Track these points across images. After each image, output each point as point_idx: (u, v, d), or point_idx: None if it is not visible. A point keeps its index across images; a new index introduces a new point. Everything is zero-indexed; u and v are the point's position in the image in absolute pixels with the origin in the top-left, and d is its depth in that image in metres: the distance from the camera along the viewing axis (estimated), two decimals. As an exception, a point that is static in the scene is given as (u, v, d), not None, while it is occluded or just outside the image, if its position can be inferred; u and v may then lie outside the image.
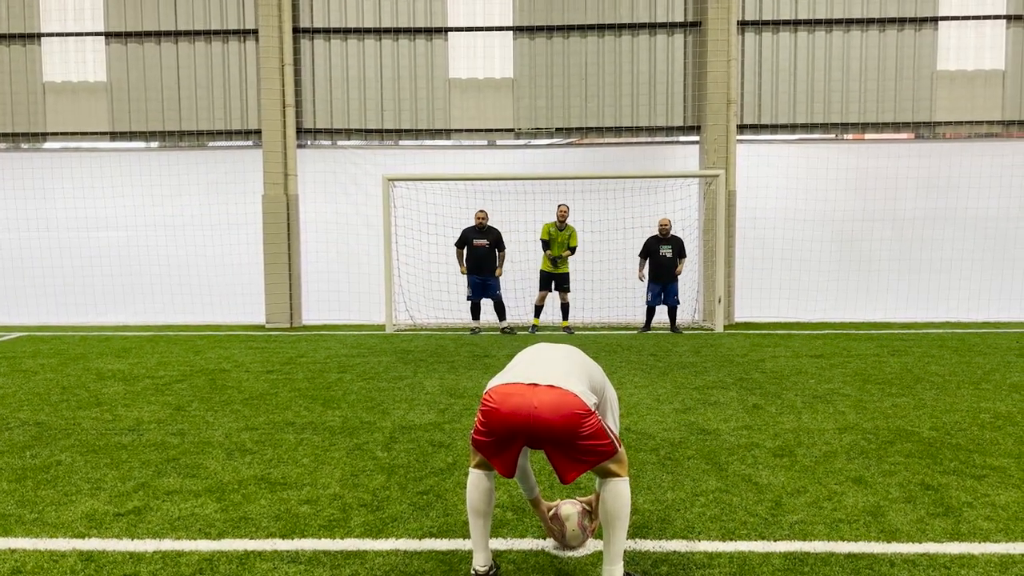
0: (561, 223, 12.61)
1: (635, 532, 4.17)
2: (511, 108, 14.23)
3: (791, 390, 7.90)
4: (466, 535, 4.15)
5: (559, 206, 12.66)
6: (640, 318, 13.72)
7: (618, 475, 3.47)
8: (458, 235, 12.86)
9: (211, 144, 14.39)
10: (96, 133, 14.28)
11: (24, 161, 14.48)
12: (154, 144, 14.44)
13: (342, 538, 4.13)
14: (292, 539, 4.12)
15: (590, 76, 14.17)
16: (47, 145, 14.42)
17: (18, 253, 14.53)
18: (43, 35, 14.02)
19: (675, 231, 13.32)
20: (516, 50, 14.16)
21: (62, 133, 14.29)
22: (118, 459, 5.61)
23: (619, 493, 3.43)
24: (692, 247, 13.98)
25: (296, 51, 13.98)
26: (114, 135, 14.29)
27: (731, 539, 4.08)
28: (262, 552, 3.96)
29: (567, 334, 12.51)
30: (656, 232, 12.97)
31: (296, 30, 13.93)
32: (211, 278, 14.47)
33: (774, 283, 14.40)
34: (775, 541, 4.04)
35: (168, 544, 4.07)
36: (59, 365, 9.76)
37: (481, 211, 12.71)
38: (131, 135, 14.28)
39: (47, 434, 6.34)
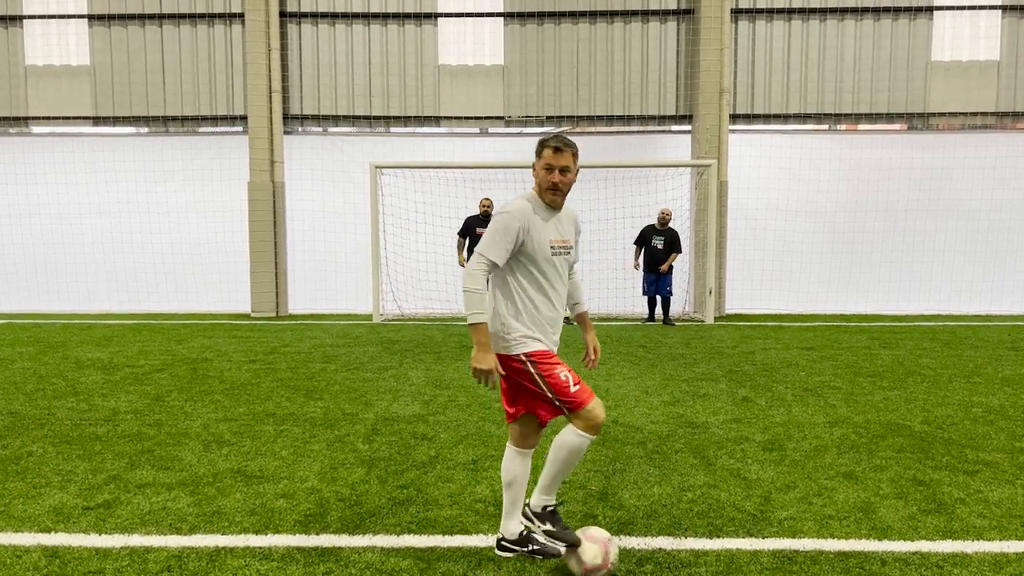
0: None
1: (620, 528, 4.05)
2: (501, 95, 14.05)
3: (781, 383, 7.80)
4: (445, 531, 4.03)
5: None
6: (633, 310, 13.60)
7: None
8: (457, 224, 12.61)
9: (196, 130, 14.17)
10: (79, 118, 14.03)
11: (5, 146, 14.22)
12: (138, 129, 14.20)
13: (317, 534, 3.99)
14: (265, 535, 3.99)
15: (582, 64, 14.00)
16: (29, 130, 14.16)
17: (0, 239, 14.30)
18: (25, 17, 13.74)
19: (652, 223, 13.09)
20: (507, 36, 13.97)
21: (44, 118, 14.04)
22: (91, 451, 5.45)
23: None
24: (685, 238, 13.85)
25: (283, 35, 13.75)
26: (98, 120, 14.05)
27: (719, 536, 3.96)
28: (233, 548, 3.82)
29: (566, 324, 12.34)
30: (655, 221, 12.80)
31: (283, 14, 13.70)
32: (196, 266, 14.27)
33: (765, 274, 14.31)
34: (764, 538, 3.93)
35: (137, 540, 3.92)
36: (37, 354, 9.57)
37: (486, 199, 12.49)
38: (115, 120, 14.04)
39: (20, 424, 6.18)
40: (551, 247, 3.55)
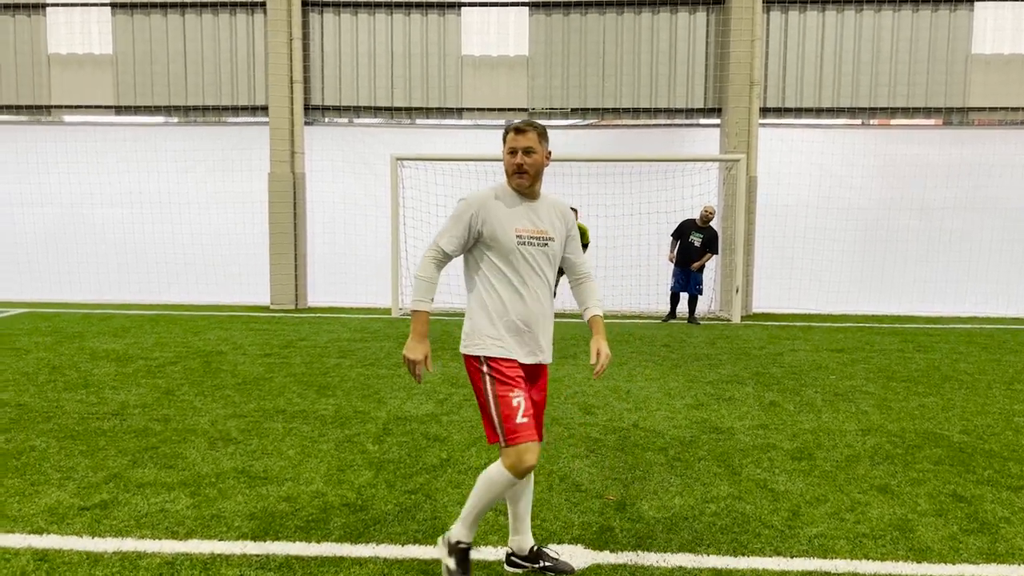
0: None
1: (637, 543, 3.80)
2: (525, 87, 13.78)
3: (811, 386, 7.49)
4: (453, 542, 3.81)
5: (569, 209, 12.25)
6: (656, 307, 13.30)
7: None
8: None
9: (218, 120, 14.07)
10: (101, 107, 13.99)
11: (28, 134, 14.22)
12: (160, 119, 14.13)
13: (318, 542, 3.80)
14: (264, 541, 3.80)
15: (608, 55, 13.69)
16: (51, 118, 14.15)
17: (22, 228, 14.31)
18: (48, 5, 13.71)
19: (693, 217, 12.76)
20: (532, 27, 13.70)
21: (67, 106, 14.01)
22: (95, 446, 5.31)
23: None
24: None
25: (305, 25, 13.59)
26: (120, 109, 13.99)
27: (743, 554, 3.71)
28: (229, 556, 3.63)
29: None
30: (695, 216, 12.43)
31: (305, 3, 13.54)
32: (216, 257, 14.18)
33: (794, 273, 13.92)
34: (792, 557, 3.67)
35: (130, 544, 3.76)
36: (54, 344, 9.50)
37: None
38: (137, 109, 13.98)
39: (27, 417, 6.06)
40: (517, 236, 3.25)
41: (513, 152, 3.28)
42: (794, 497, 4.45)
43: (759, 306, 13.72)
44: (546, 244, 3.33)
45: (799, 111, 13.75)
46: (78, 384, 7.24)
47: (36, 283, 14.29)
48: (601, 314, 3.60)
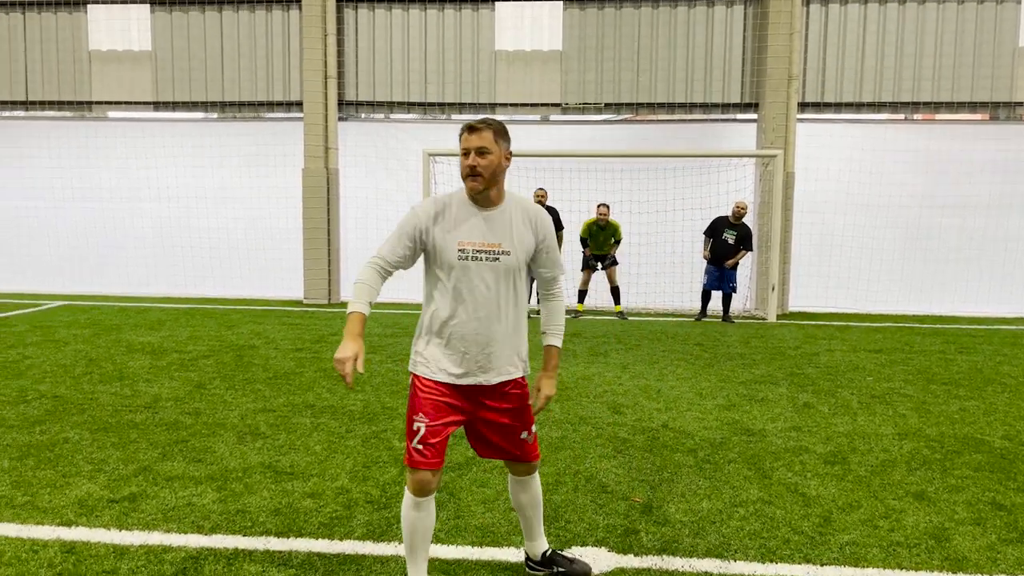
0: (602, 224, 12.16)
1: (662, 547, 3.73)
2: (559, 82, 13.69)
3: (846, 388, 7.32)
4: (475, 541, 3.78)
5: (598, 206, 12.19)
6: (689, 305, 13.14)
7: None
8: None
9: (253, 115, 14.20)
10: (140, 103, 14.20)
11: (69, 130, 14.49)
12: (197, 114, 14.30)
13: (341, 539, 3.79)
14: (287, 538, 3.81)
15: (643, 49, 13.53)
16: (92, 114, 14.40)
17: (62, 222, 14.59)
18: (89, 2, 13.94)
19: (727, 214, 12.58)
20: (565, 21, 13.59)
21: (107, 102, 14.24)
22: (126, 439, 5.38)
23: None
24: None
25: (339, 21, 13.64)
26: (158, 104, 14.19)
27: (772, 560, 3.62)
28: (253, 552, 3.64)
29: (620, 320, 11.99)
30: (728, 213, 12.25)
31: (340, -1, 13.61)
32: (251, 251, 14.33)
33: (832, 271, 13.65)
34: (822, 566, 3.57)
35: (156, 538, 3.79)
36: (91, 336, 9.67)
37: (541, 189, 12.25)
38: (174, 105, 14.16)
39: (62, 408, 6.17)
40: (460, 251, 2.99)
41: (466, 153, 2.98)
42: (826, 502, 4.34)
43: (795, 305, 13.48)
44: (497, 259, 3.02)
45: (839, 106, 13.47)
46: (113, 376, 7.35)
47: (76, 276, 14.57)
48: (558, 345, 3.28)
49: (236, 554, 3.62)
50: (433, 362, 3.09)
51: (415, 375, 3.14)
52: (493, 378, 3.11)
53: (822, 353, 9.21)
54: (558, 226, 12.42)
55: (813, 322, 12.10)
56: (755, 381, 7.58)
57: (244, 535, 3.83)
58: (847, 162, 13.48)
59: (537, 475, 3.36)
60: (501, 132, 3.01)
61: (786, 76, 12.90)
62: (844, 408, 6.53)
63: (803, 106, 13.37)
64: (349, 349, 2.90)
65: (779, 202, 12.46)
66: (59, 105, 14.27)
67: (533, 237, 3.12)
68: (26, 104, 14.33)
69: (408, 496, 3.10)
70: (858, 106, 13.43)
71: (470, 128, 2.99)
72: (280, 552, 3.65)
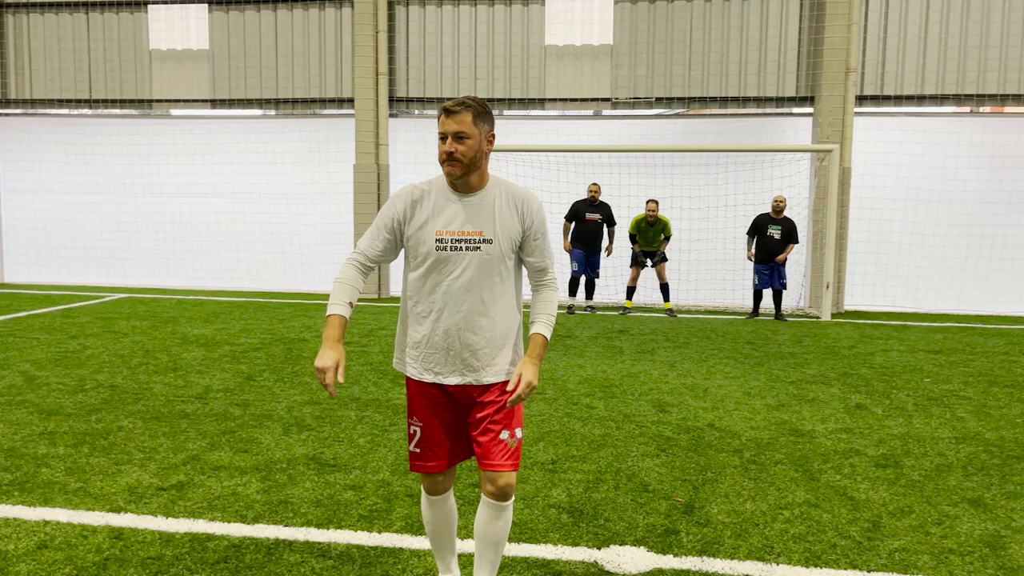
0: (652, 220, 12.02)
1: (703, 548, 3.67)
2: (609, 77, 13.57)
3: (902, 389, 7.10)
4: (512, 538, 3.76)
5: (648, 202, 12.05)
6: (741, 303, 12.91)
7: None
8: (564, 209, 12.41)
9: (307, 112, 14.41)
10: (198, 100, 14.54)
11: (130, 127, 14.91)
12: (253, 112, 14.58)
13: (380, 532, 3.82)
14: (327, 529, 3.85)
15: (695, 43, 13.32)
16: (153, 111, 14.80)
17: (124, 217, 15.03)
18: (149, 3, 14.32)
19: (765, 211, 12.33)
20: (616, 15, 13.46)
21: (167, 100, 14.62)
22: (177, 428, 5.51)
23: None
24: (802, 228, 13.02)
25: (391, 18, 13.75)
26: (215, 103, 14.51)
27: (816, 565, 3.53)
28: (293, 542, 3.69)
29: (669, 317, 11.84)
30: (768, 210, 12.03)
31: (391, -4, 13.71)
32: (304, 246, 14.56)
33: (890, 269, 13.26)
34: (869, 572, 3.46)
35: (201, 526, 3.86)
36: (149, 328, 9.94)
37: (594, 184, 12.21)
38: (231, 103, 14.46)
39: (117, 398, 6.35)
40: (437, 240, 2.80)
41: (443, 138, 2.77)
42: (876, 507, 4.21)
43: (851, 303, 13.14)
44: (478, 247, 2.80)
45: (899, 99, 13.06)
46: (167, 367, 7.54)
47: (137, 269, 15.00)
48: (546, 335, 2.90)
49: (277, 544, 3.67)
50: (419, 362, 2.91)
51: (406, 376, 2.99)
52: (485, 378, 2.88)
53: (878, 353, 8.95)
54: (610, 223, 12.33)
55: (869, 321, 11.77)
56: (806, 381, 7.41)
57: (285, 525, 3.89)
58: (907, 156, 13.06)
59: (511, 507, 2.95)
60: (481, 114, 2.78)
61: (843, 69, 12.56)
62: (899, 410, 6.34)
63: (861, 99, 13.00)
64: (328, 358, 2.68)
65: (834, 198, 12.15)
66: (121, 104, 14.70)
67: (519, 223, 2.87)
68: (91, 103, 14.79)
69: (423, 494, 3.07)
70: (919, 98, 13.01)
71: (447, 111, 2.77)
72: (320, 543, 3.69)
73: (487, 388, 2.90)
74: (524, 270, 3.02)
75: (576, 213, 12.22)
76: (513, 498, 2.93)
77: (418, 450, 2.96)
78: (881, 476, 4.72)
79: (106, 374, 7.21)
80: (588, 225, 12.17)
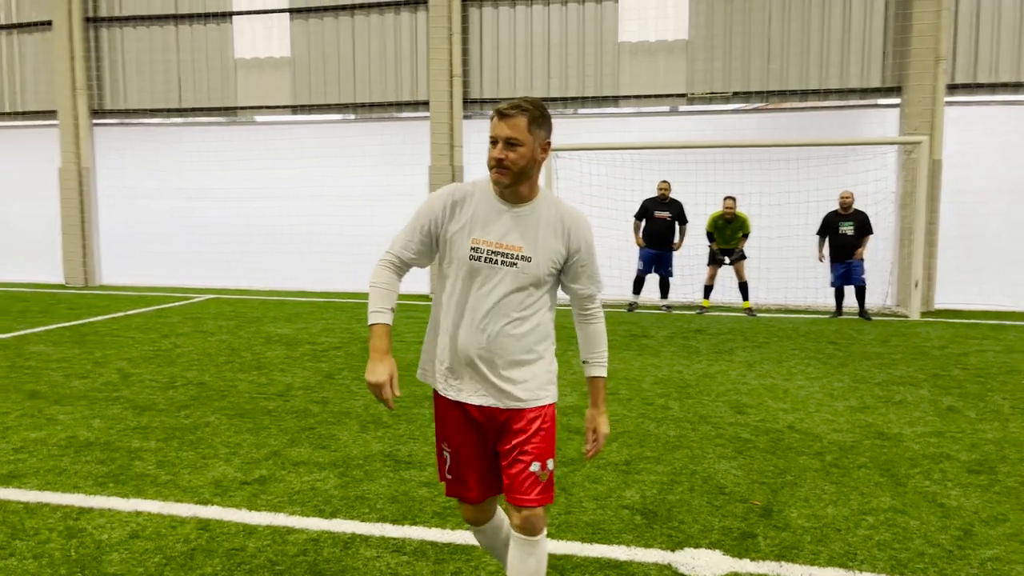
0: (729, 218, 11.79)
1: (781, 553, 3.57)
2: (684, 72, 13.36)
3: (998, 392, 6.76)
4: (585, 538, 3.75)
5: (725, 199, 11.82)
6: (824, 301, 12.51)
7: None
8: (634, 207, 12.35)
9: (389, 116, 14.66)
10: (280, 107, 14.99)
11: (218, 134, 15.47)
12: (333, 116, 14.93)
13: (452, 529, 3.86)
14: (402, 525, 3.91)
15: (774, 34, 12.99)
16: (238, 119, 15.32)
17: (214, 220, 15.59)
18: (234, 13, 14.84)
19: (868, 205, 11.95)
20: (692, 9, 13.24)
21: (251, 107, 15.12)
22: (260, 424, 5.69)
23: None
24: (888, 223, 12.54)
25: (464, 20, 13.88)
26: (296, 108, 14.93)
27: (902, 573, 3.39)
28: (368, 537, 3.76)
29: (748, 316, 11.59)
30: (836, 207, 11.66)
31: (465, -2, 13.84)
32: (382, 248, 14.77)
33: (985, 266, 12.63)
34: (960, 582, 3.31)
35: (282, 519, 3.98)
36: (235, 327, 10.30)
37: (664, 182, 12.11)
38: (311, 108, 14.86)
39: (205, 395, 6.60)
40: (473, 248, 2.58)
41: (494, 142, 2.54)
42: (967, 514, 4.02)
43: (942, 302, 12.58)
44: (515, 263, 2.57)
45: (993, 87, 12.43)
46: (252, 365, 7.80)
47: (225, 271, 15.54)
48: (604, 376, 2.77)
49: (353, 539, 3.75)
50: (446, 378, 2.70)
51: (434, 391, 2.80)
52: (510, 402, 2.64)
53: (971, 354, 8.55)
54: (681, 220, 12.15)
55: (962, 320, 11.25)
56: (893, 382, 7.13)
57: (362, 520, 3.97)
58: (1003, 148, 12.43)
59: (544, 542, 2.69)
60: (537, 119, 2.53)
61: (933, 56, 12.04)
62: (994, 413, 6.03)
63: (952, 88, 12.44)
64: (381, 372, 2.54)
65: (923, 192, 11.66)
66: (208, 112, 15.27)
67: (563, 247, 2.63)
68: (180, 111, 15.43)
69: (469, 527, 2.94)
70: (1016, 86, 12.35)
71: (500, 113, 2.53)
72: (395, 539, 3.75)
73: (515, 414, 2.65)
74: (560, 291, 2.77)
75: (645, 210, 12.11)
76: (545, 532, 2.69)
77: (451, 476, 2.80)
78: (974, 482, 4.50)
79: (195, 372, 7.50)
80: (658, 223, 12.04)
